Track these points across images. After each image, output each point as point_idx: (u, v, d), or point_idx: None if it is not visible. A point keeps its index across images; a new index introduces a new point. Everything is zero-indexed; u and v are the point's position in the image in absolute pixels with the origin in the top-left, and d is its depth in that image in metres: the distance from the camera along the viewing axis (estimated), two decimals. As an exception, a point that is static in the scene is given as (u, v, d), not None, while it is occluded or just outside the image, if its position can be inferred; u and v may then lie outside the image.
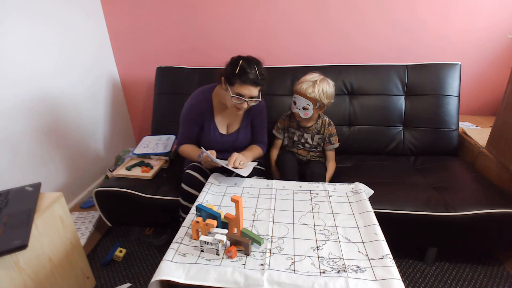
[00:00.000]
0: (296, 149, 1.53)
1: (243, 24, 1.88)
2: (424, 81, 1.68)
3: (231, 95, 1.22)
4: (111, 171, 1.83)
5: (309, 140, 1.50)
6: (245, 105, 1.25)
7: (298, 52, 1.92)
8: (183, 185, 1.29)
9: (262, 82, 1.23)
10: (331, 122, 1.50)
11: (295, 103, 1.40)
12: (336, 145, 1.51)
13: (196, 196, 1.23)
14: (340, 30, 1.83)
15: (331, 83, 1.40)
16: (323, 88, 1.35)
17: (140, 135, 2.30)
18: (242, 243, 0.81)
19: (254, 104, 1.29)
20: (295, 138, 1.52)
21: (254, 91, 1.22)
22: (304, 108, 1.38)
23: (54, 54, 1.58)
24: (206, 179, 1.27)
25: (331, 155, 1.52)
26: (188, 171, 1.30)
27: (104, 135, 2.03)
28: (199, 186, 1.24)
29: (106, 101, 2.03)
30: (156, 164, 1.62)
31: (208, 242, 0.80)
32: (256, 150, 1.42)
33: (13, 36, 1.35)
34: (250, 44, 1.92)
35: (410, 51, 1.83)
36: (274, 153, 1.56)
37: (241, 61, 1.20)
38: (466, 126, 1.74)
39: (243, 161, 1.25)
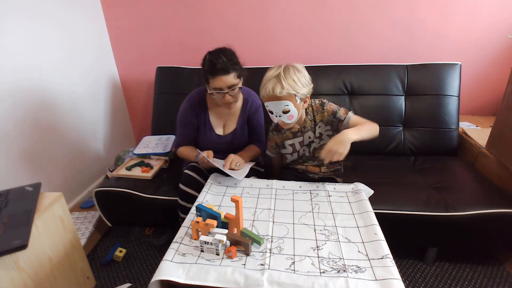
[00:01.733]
0: (304, 164, 1.29)
1: (243, 24, 1.88)
2: (424, 81, 1.68)
3: (209, 92, 1.21)
4: (111, 171, 1.83)
5: (312, 137, 1.23)
6: (229, 97, 1.22)
7: (298, 52, 1.92)
8: (180, 185, 1.28)
9: (233, 67, 1.18)
10: (323, 101, 1.21)
11: (271, 112, 1.14)
12: (348, 116, 1.15)
13: (194, 196, 1.23)
14: (340, 30, 1.83)
15: (299, 66, 1.12)
16: (292, 78, 1.07)
17: (140, 135, 2.30)
18: (242, 243, 0.80)
19: (236, 93, 1.24)
20: (298, 148, 1.26)
21: (227, 79, 1.18)
22: (285, 112, 1.10)
23: (54, 54, 1.58)
24: (204, 179, 1.27)
25: (355, 122, 1.14)
26: (186, 171, 1.30)
27: (104, 135, 2.03)
28: (197, 186, 1.24)
29: (106, 101, 2.03)
30: (156, 164, 1.62)
31: (208, 242, 0.80)
32: (253, 150, 1.41)
33: (13, 36, 1.35)
34: (250, 44, 1.92)
35: (410, 51, 1.83)
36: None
37: (207, 56, 1.20)
38: (466, 126, 1.74)
39: (240, 163, 1.24)
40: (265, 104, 1.14)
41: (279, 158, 1.40)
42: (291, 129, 1.23)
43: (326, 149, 1.03)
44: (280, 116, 1.12)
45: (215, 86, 1.19)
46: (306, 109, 1.21)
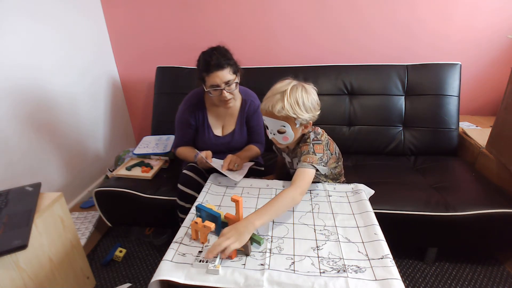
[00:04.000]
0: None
1: (243, 24, 1.88)
2: (424, 81, 1.68)
3: (206, 90, 1.22)
4: (111, 171, 1.83)
5: (295, 166, 1.13)
6: (226, 94, 1.21)
7: (298, 52, 1.92)
8: (179, 185, 1.28)
9: (227, 62, 1.18)
10: (311, 137, 1.06)
11: (267, 127, 1.06)
12: (307, 166, 0.99)
13: (193, 196, 1.23)
14: (340, 30, 1.83)
15: (310, 88, 1.01)
16: (297, 99, 0.96)
17: (140, 135, 2.30)
18: (242, 243, 0.80)
19: (233, 89, 1.23)
20: (288, 165, 1.22)
21: (223, 75, 1.18)
22: (280, 132, 1.01)
23: (54, 54, 1.58)
24: (203, 179, 1.26)
25: (294, 178, 0.98)
26: (184, 171, 1.29)
27: (104, 135, 2.03)
28: (196, 186, 1.24)
29: (106, 101, 2.03)
30: (156, 164, 1.62)
31: (202, 261, 0.76)
32: (252, 150, 1.40)
33: (13, 35, 1.35)
34: (251, 44, 1.92)
35: (410, 51, 1.83)
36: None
37: (201, 56, 1.22)
38: (466, 126, 1.74)
39: (238, 163, 1.23)
40: (263, 117, 1.04)
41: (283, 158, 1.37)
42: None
43: (222, 238, 0.77)
44: (274, 135, 1.04)
45: (212, 83, 1.19)
46: (304, 135, 1.08)
